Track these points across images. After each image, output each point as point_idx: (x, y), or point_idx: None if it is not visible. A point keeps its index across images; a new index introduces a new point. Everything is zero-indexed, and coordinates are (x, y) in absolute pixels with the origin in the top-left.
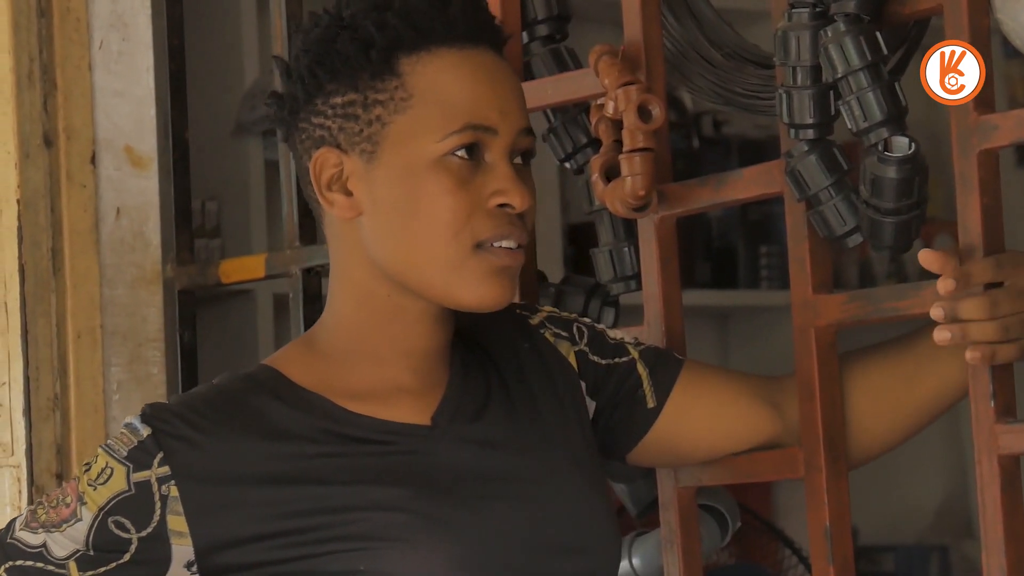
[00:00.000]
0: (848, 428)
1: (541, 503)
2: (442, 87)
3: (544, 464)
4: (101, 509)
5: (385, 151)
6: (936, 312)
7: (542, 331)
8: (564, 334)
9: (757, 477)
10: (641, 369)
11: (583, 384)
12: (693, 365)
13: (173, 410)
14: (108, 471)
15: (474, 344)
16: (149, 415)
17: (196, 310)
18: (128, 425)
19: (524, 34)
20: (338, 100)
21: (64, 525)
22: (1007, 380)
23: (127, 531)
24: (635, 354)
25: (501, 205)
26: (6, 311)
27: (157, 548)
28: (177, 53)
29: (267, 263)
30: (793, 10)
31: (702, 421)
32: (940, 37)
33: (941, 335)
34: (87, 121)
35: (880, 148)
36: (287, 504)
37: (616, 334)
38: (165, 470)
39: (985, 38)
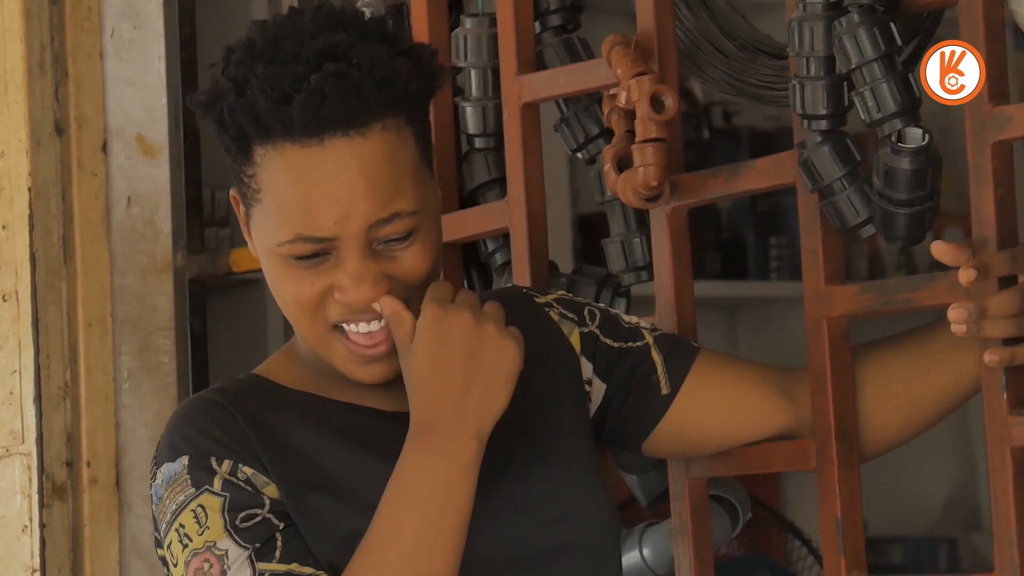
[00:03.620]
0: (863, 421)
1: (525, 475)
2: (281, 191)
3: (531, 437)
4: (227, 527)
5: (252, 226)
6: (956, 313)
7: (548, 310)
8: (571, 316)
9: (768, 468)
10: (655, 355)
11: (591, 366)
12: (708, 353)
13: (187, 434)
14: (198, 509)
15: None
16: (171, 453)
17: (206, 299)
18: (167, 480)
19: (537, 24)
20: (227, 157)
21: (225, 569)
22: (1020, 372)
23: (257, 515)
24: (650, 339)
25: None
26: (17, 299)
27: (283, 511)
28: (188, 42)
29: None
30: (807, 1)
31: (716, 410)
32: (954, 28)
33: (959, 327)
34: (98, 110)
35: (893, 139)
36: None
37: (631, 319)
38: (228, 464)
39: (999, 29)
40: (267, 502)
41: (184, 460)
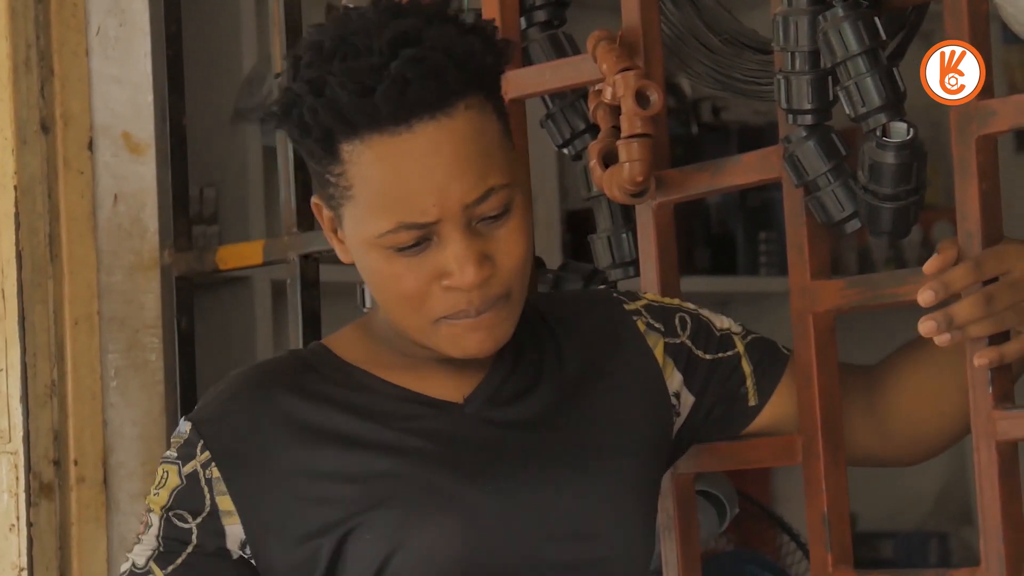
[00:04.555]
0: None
1: (556, 487)
2: (375, 182)
3: (572, 449)
4: (164, 508)
5: (345, 224)
6: (926, 327)
7: (635, 318)
8: (658, 326)
9: (755, 464)
10: (745, 365)
11: (680, 377)
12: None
13: (212, 400)
14: (164, 475)
15: (544, 324)
16: (193, 413)
17: (194, 296)
18: (177, 430)
19: (522, 20)
20: (311, 162)
21: (141, 537)
22: (1005, 367)
23: (187, 521)
24: (740, 347)
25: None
26: (3, 297)
27: (213, 530)
28: (175, 39)
29: (265, 249)
30: None
31: (794, 422)
32: (939, 23)
33: (942, 339)
34: (84, 107)
35: (878, 133)
36: (313, 469)
37: (723, 323)
38: (206, 455)
39: (984, 23)
40: (204, 512)
41: (188, 427)
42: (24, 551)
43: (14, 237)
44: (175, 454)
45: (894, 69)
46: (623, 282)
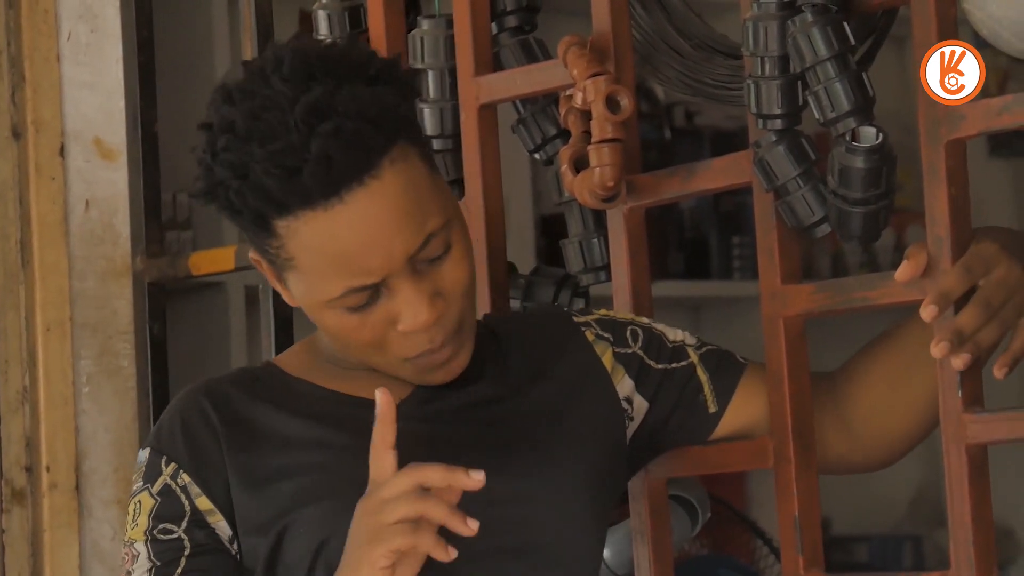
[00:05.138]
0: (875, 423)
1: (511, 473)
2: (315, 253)
3: (506, 440)
4: (147, 531)
5: (291, 287)
6: (939, 349)
7: (584, 328)
8: (607, 336)
9: (727, 468)
10: (701, 373)
11: (631, 383)
12: (756, 368)
13: (162, 423)
14: (137, 505)
15: (490, 334)
16: (145, 442)
17: (166, 302)
18: (137, 462)
19: (493, 25)
20: (245, 234)
21: (131, 569)
22: (975, 370)
23: (173, 532)
24: (695, 358)
25: None
26: None
27: (202, 530)
28: (146, 45)
29: (237, 255)
30: (760, 1)
31: (763, 426)
32: (908, 27)
33: (960, 360)
34: (56, 113)
35: (848, 138)
36: (251, 469)
37: (676, 336)
38: (172, 467)
39: (952, 27)
40: (187, 516)
41: (146, 453)
42: None
43: None
44: (140, 482)
45: (863, 74)
46: (595, 287)
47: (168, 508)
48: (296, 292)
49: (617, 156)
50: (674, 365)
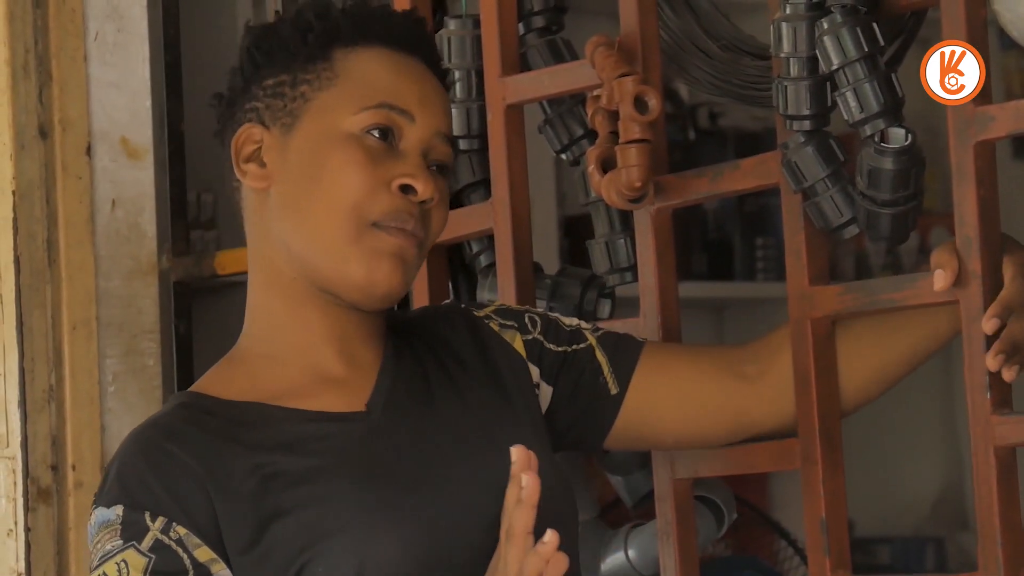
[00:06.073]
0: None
1: (485, 482)
2: (367, 70)
3: (486, 444)
4: None
5: (304, 122)
6: (1011, 374)
7: (488, 321)
8: (511, 324)
9: (754, 469)
10: (600, 355)
11: (537, 370)
12: (653, 347)
13: (124, 477)
14: (121, 563)
15: (408, 335)
16: (108, 499)
17: (192, 301)
18: (100, 524)
19: (520, 26)
20: (269, 81)
21: None
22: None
23: None
24: (593, 340)
25: (405, 189)
26: (1, 302)
27: None
28: (173, 44)
29: None
30: (789, 1)
31: (668, 401)
32: (937, 29)
33: (1011, 372)
34: (82, 112)
35: (877, 139)
36: (247, 521)
37: (572, 321)
38: (161, 520)
39: (982, 30)
40: (189, 572)
41: (118, 510)
42: (22, 556)
43: (12, 242)
44: (120, 542)
45: (892, 75)
46: (620, 288)
47: (165, 565)
48: (308, 127)
49: (645, 157)
50: (573, 347)
